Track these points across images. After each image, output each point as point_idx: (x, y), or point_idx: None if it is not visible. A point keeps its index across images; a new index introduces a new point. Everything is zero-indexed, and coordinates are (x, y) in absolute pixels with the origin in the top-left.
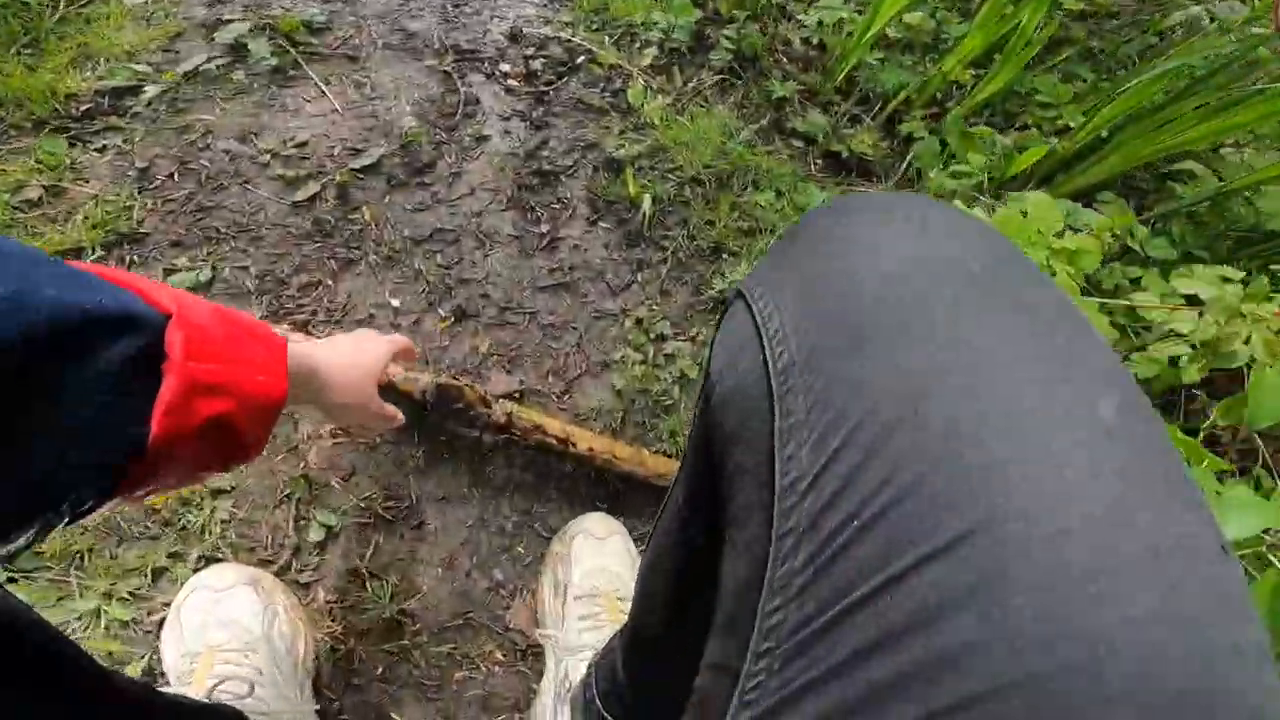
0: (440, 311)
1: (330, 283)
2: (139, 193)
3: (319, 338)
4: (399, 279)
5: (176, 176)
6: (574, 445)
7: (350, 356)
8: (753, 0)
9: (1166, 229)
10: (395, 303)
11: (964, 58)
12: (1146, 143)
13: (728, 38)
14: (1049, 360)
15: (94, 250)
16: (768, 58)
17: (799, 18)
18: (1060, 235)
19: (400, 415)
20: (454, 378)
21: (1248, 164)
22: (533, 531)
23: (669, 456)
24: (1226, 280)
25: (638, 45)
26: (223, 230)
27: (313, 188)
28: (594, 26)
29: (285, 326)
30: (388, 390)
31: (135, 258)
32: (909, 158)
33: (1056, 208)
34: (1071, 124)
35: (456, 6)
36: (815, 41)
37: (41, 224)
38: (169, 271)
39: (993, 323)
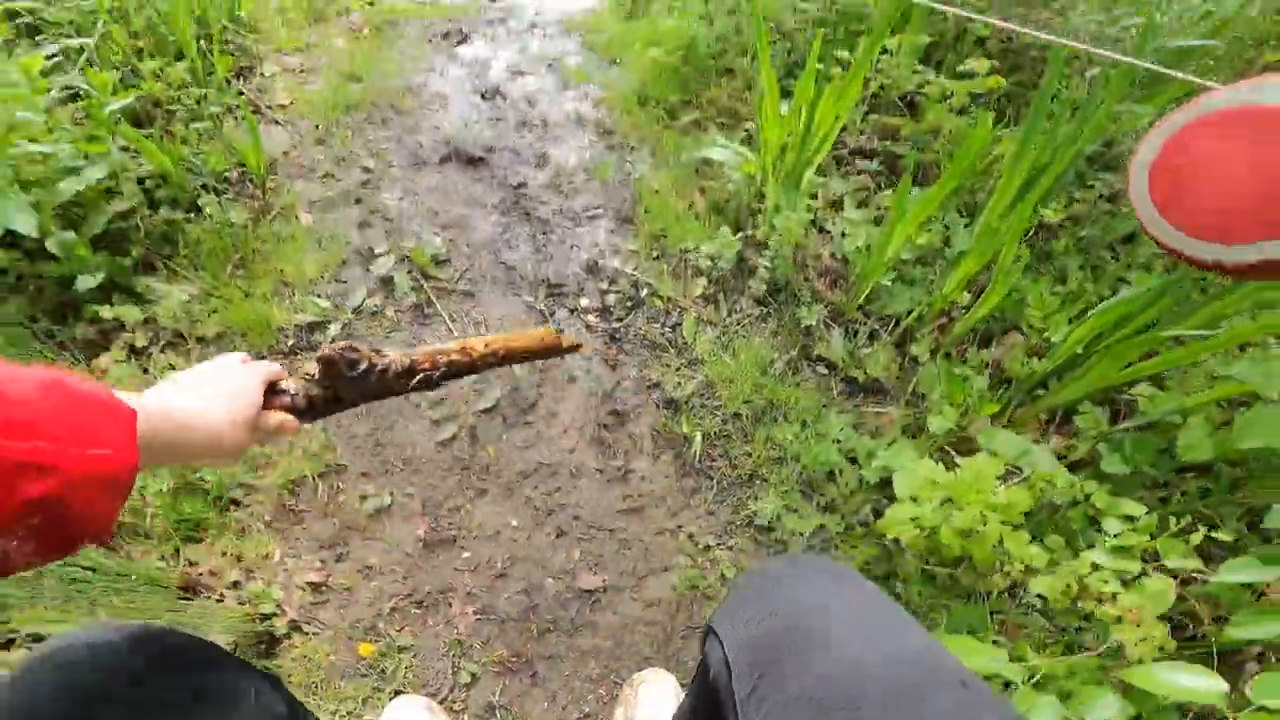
0: (545, 530)
1: (469, 508)
2: (334, 429)
3: (444, 532)
4: (515, 504)
5: (358, 417)
6: (474, 352)
7: (224, 399)
8: (787, 232)
9: (1121, 446)
10: (514, 522)
11: (961, 280)
12: (1111, 367)
13: (765, 266)
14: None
15: (313, 479)
16: (799, 279)
17: (828, 228)
18: (1002, 481)
19: (292, 421)
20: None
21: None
22: (609, 680)
23: None
24: (1130, 518)
25: (690, 273)
26: (393, 463)
27: (451, 429)
28: (654, 254)
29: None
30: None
31: (340, 485)
32: (914, 380)
33: (1015, 446)
34: (1054, 338)
35: (544, 234)
36: (840, 256)
37: (268, 454)
38: (363, 497)
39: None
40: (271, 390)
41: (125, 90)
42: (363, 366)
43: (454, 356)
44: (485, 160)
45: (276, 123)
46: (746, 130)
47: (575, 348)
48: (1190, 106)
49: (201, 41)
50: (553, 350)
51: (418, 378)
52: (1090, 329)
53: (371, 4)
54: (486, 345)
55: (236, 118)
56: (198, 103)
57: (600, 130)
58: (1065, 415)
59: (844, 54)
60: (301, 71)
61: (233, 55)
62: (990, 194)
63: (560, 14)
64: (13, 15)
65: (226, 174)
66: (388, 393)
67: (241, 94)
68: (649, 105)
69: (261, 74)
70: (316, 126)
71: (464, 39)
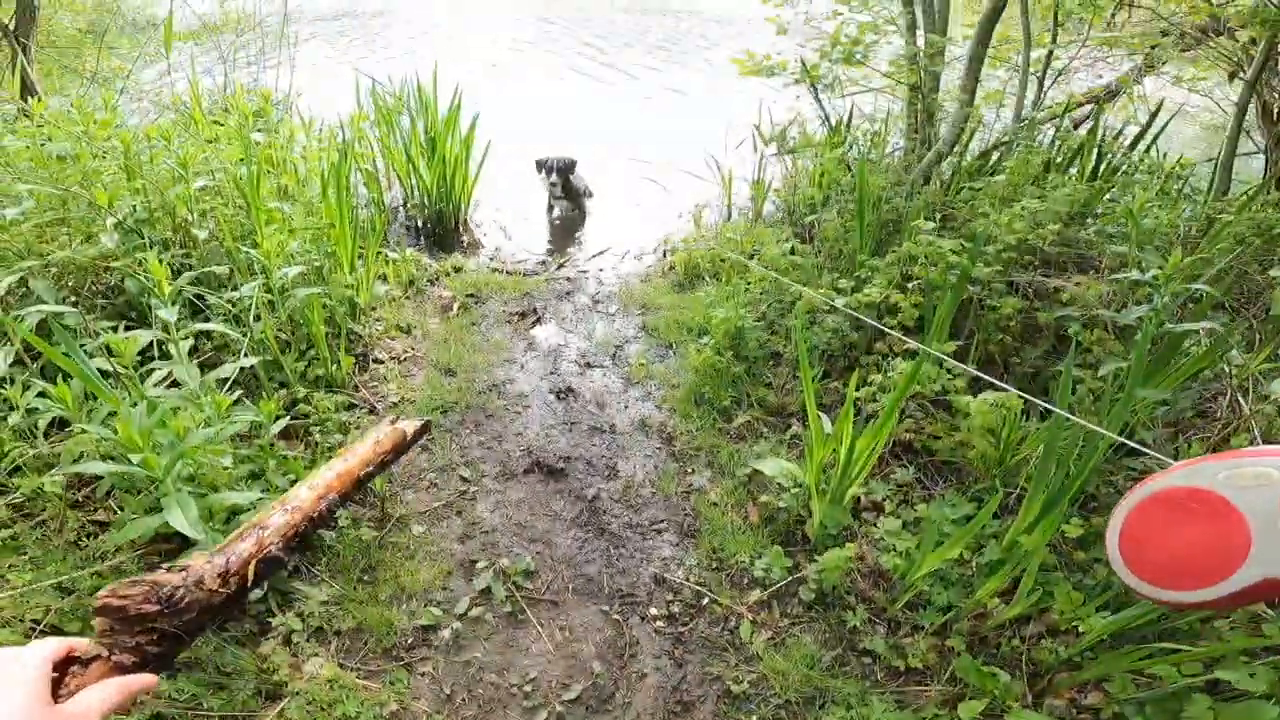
0: None
1: None
2: (444, 711)
3: None
4: None
5: (466, 699)
6: (304, 506)
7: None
8: (832, 566)
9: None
10: None
11: (993, 590)
12: (1134, 654)
13: (813, 577)
14: None
15: None
16: (844, 585)
17: (869, 528)
18: None
19: (127, 684)
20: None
21: None
22: None
23: None
24: None
25: (746, 582)
26: None
27: (542, 715)
28: (713, 565)
29: None
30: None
31: None
32: (952, 666)
33: None
34: (1083, 628)
35: (617, 548)
36: (882, 565)
37: None
38: None
39: None
40: (70, 665)
41: (281, 412)
42: (165, 594)
43: (284, 521)
44: (564, 471)
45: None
46: (793, 430)
47: (422, 431)
48: (1141, 486)
49: (329, 332)
50: (400, 448)
51: (251, 568)
52: (1115, 624)
53: (458, 270)
54: (314, 488)
55: (358, 417)
56: (332, 409)
57: (663, 436)
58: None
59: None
60: (405, 359)
61: (350, 342)
62: (1017, 511)
63: (618, 282)
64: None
65: None
66: (228, 605)
67: (359, 388)
68: (704, 406)
69: (375, 359)
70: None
71: (538, 319)
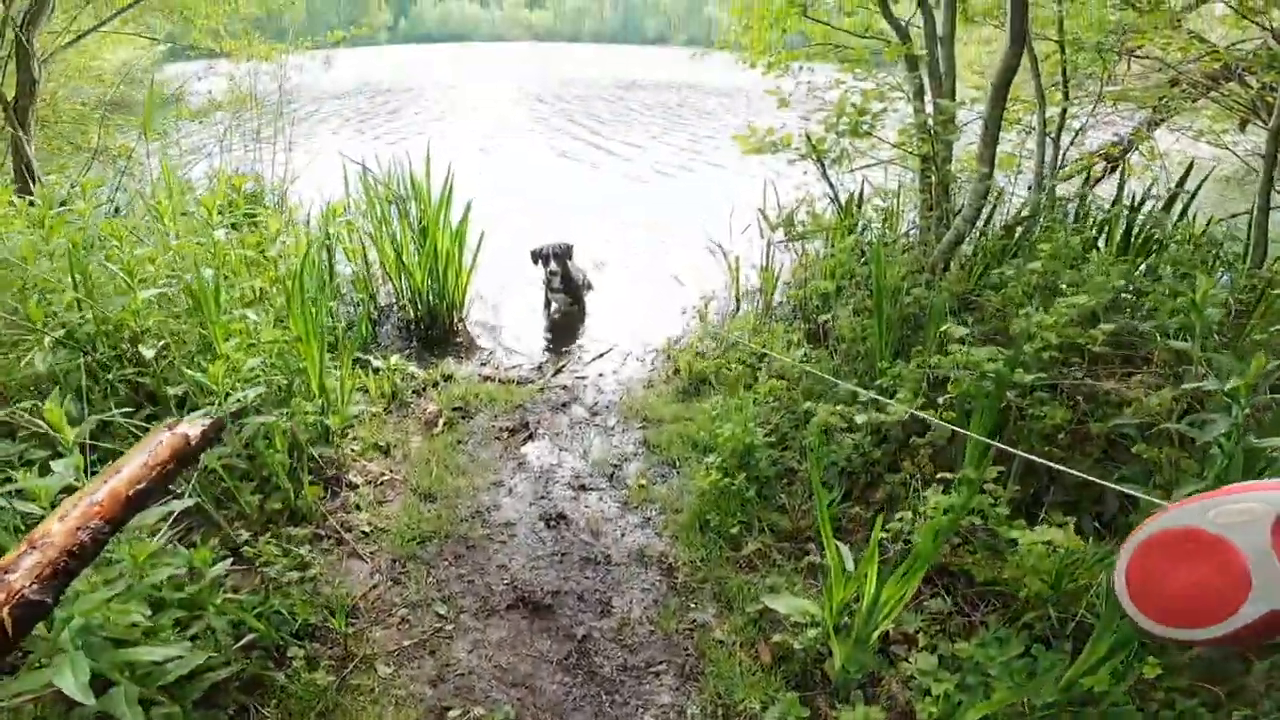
0: None
1: None
2: None
3: None
4: None
5: None
6: (52, 540)
7: None
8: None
9: None
10: None
11: None
12: None
13: None
14: None
15: None
16: None
17: (900, 662)
18: None
19: None
20: None
21: None
22: None
23: None
24: None
25: None
26: None
27: None
28: (719, 713)
29: None
30: None
31: None
32: None
33: None
34: None
35: (609, 694)
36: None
37: None
38: None
39: None
40: None
41: (224, 554)
42: None
43: (35, 561)
44: (551, 607)
45: (358, 555)
46: (809, 559)
47: (212, 431)
48: (1138, 531)
49: (294, 458)
50: (183, 456)
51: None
52: None
53: (448, 378)
54: (67, 519)
55: (324, 549)
56: (288, 542)
57: (663, 567)
58: None
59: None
60: (382, 483)
61: (320, 466)
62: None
63: (619, 389)
64: None
65: (311, 621)
66: None
67: (327, 518)
68: (709, 533)
69: (348, 484)
70: (394, 562)
71: (530, 435)
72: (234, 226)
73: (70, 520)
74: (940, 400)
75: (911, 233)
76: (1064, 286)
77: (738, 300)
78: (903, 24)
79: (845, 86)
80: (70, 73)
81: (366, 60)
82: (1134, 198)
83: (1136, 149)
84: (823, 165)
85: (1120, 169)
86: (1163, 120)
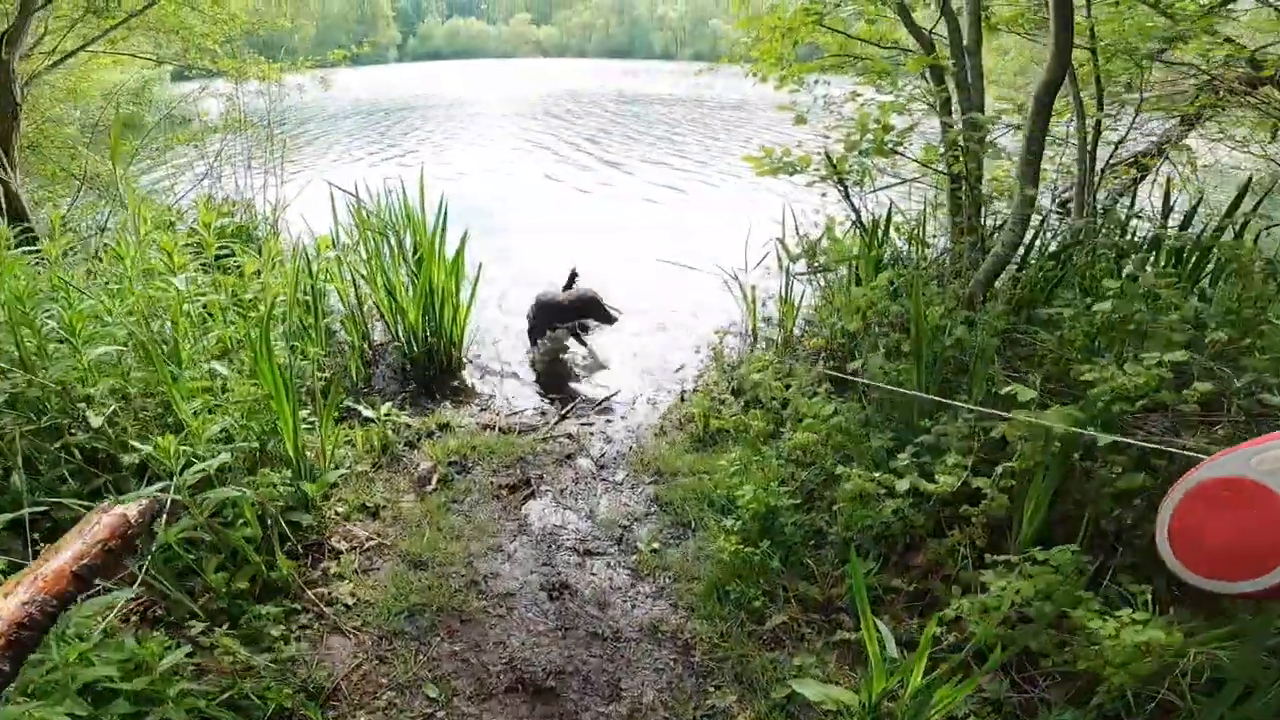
0: None
1: None
2: None
3: None
4: None
5: None
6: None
7: None
8: None
9: None
10: None
11: None
12: None
13: None
14: None
15: None
16: None
17: None
18: None
19: None
20: None
21: None
22: None
23: None
24: None
25: None
26: None
27: None
28: None
29: None
30: None
31: None
32: None
33: None
34: None
35: None
36: None
37: None
38: None
39: None
40: None
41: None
42: None
43: None
44: (554, 690)
45: (340, 630)
46: (841, 633)
47: (148, 513)
48: (1181, 482)
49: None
50: (124, 534)
51: None
52: None
53: (444, 428)
54: (12, 594)
55: (302, 624)
56: (258, 620)
57: (678, 644)
58: None
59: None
60: (368, 549)
61: (300, 532)
62: None
63: (628, 438)
64: None
65: (286, 706)
66: None
67: (305, 590)
68: (729, 604)
69: (331, 550)
70: (380, 638)
71: (531, 492)
72: (218, 261)
73: (17, 596)
74: (998, 468)
75: (942, 258)
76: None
77: (754, 333)
78: (926, 33)
79: (863, 100)
80: (59, 95)
81: (374, 78)
82: (1173, 211)
83: (1167, 157)
84: (844, 187)
85: (1160, 183)
86: (1193, 125)
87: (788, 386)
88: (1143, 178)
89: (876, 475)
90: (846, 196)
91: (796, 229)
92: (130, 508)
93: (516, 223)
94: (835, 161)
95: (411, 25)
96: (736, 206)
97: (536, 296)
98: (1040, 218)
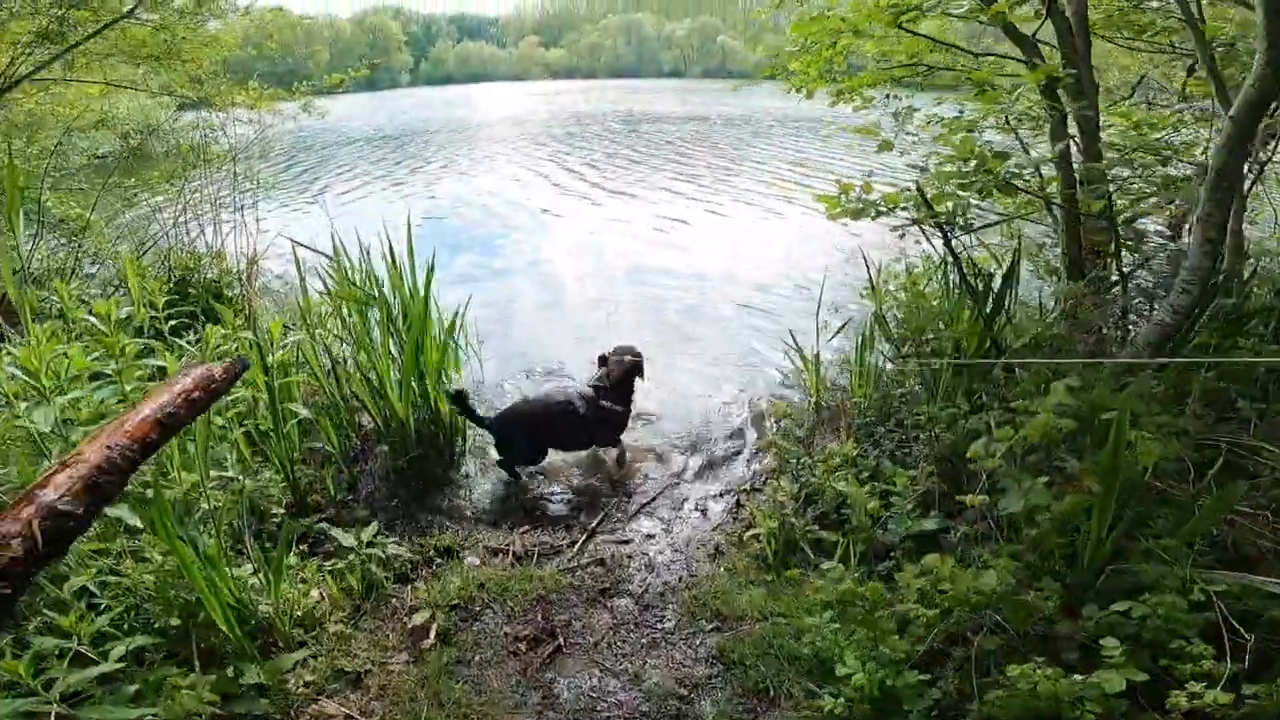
0: None
1: None
2: None
3: None
4: None
5: None
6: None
7: None
8: None
9: None
10: None
11: None
12: None
13: None
14: None
15: None
16: None
17: None
18: None
19: None
20: None
21: None
22: None
23: None
24: None
25: None
26: None
27: None
28: None
29: None
30: None
31: None
32: None
33: None
34: None
35: None
36: None
37: None
38: None
39: None
40: None
41: None
42: None
43: (69, 476)
44: None
45: None
46: None
47: (233, 369)
48: None
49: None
50: (210, 389)
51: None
52: None
53: (446, 553)
54: (94, 439)
55: None
56: None
57: None
58: None
59: None
60: None
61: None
62: None
63: (676, 561)
64: None
65: None
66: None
67: None
68: None
69: None
70: None
71: (557, 647)
72: (174, 334)
73: (99, 439)
74: None
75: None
76: None
77: (817, 409)
78: (1031, 38)
79: (949, 117)
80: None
81: (386, 103)
82: None
83: None
84: (947, 234)
85: None
86: None
87: (886, 502)
88: None
89: (1054, 678)
90: (949, 245)
91: (864, 260)
92: (215, 366)
93: (519, 263)
94: (930, 197)
95: (424, 50)
96: (775, 231)
97: (521, 406)
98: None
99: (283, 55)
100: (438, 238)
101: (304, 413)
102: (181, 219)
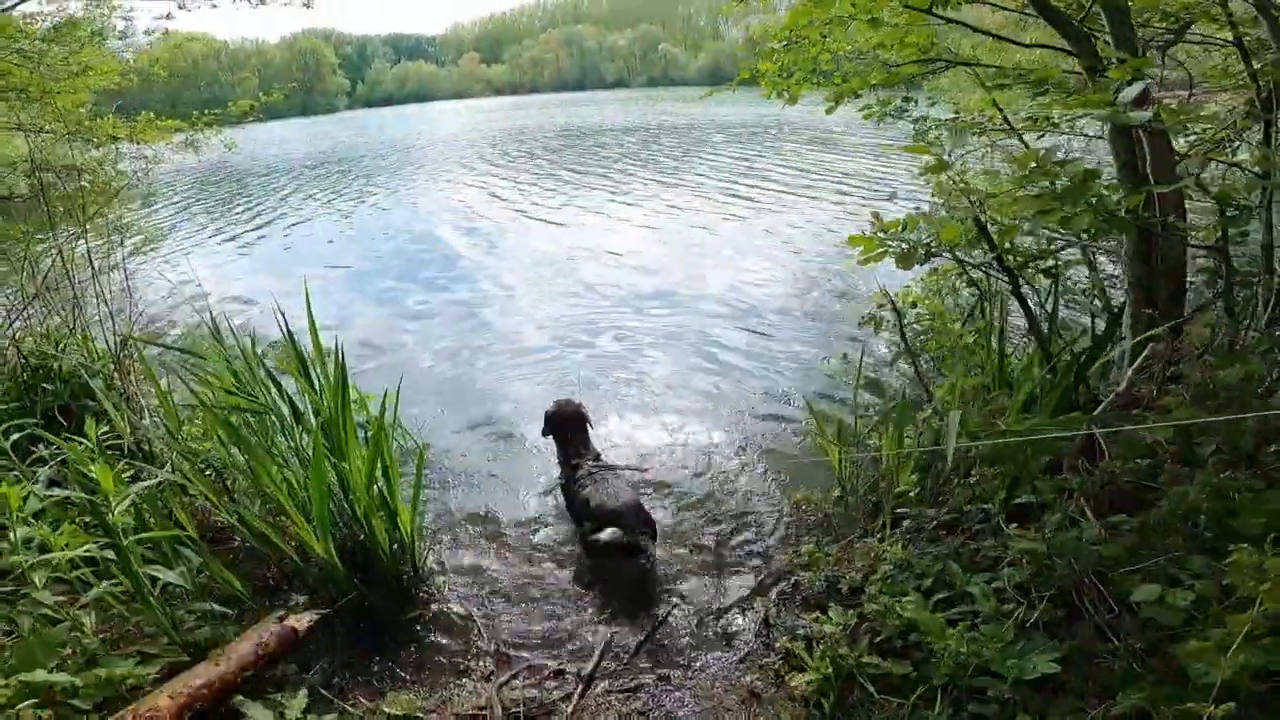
0: None
1: None
2: None
3: None
4: None
5: None
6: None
7: None
8: None
9: None
10: None
11: None
12: None
13: None
14: None
15: None
16: None
17: None
18: None
19: None
20: None
21: None
22: None
23: None
24: None
25: None
26: None
27: None
28: None
29: None
30: None
31: None
32: None
33: None
34: None
35: None
36: None
37: None
38: None
39: None
40: None
41: None
42: None
43: None
44: None
45: None
46: None
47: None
48: None
49: None
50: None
51: None
52: None
53: None
54: (176, 696)
55: None
56: None
57: None
58: None
59: None
60: None
61: None
62: None
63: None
64: None
65: None
66: None
67: None
68: None
69: None
70: None
71: None
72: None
73: (179, 699)
74: None
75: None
76: None
77: (845, 503)
78: (1076, 24)
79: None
80: None
81: (316, 129)
82: None
83: None
84: (1015, 282)
85: None
86: None
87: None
88: None
89: None
90: (1018, 293)
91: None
92: (300, 621)
93: (467, 296)
94: (996, 237)
95: (360, 72)
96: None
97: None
98: None
99: (208, 83)
100: (375, 274)
101: (170, 577)
102: (44, 284)
